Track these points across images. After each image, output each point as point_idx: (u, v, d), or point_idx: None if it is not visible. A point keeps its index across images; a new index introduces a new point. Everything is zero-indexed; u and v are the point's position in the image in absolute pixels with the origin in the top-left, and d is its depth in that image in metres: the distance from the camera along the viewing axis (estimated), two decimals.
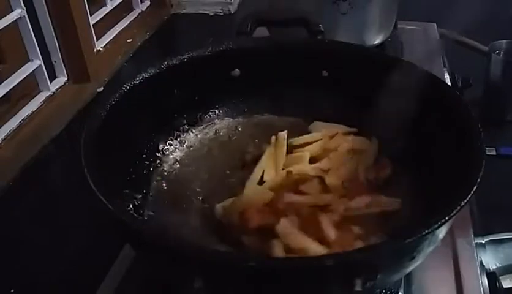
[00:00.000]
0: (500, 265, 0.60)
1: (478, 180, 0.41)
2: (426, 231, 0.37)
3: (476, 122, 0.48)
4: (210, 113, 0.63)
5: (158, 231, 0.46)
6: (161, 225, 0.52)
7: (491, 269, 0.59)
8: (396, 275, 0.44)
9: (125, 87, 0.53)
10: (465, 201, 0.40)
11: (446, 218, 0.38)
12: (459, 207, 0.39)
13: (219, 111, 0.64)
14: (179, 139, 0.60)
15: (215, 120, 0.63)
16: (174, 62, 0.58)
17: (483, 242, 0.60)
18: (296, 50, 0.62)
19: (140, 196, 0.53)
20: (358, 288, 0.37)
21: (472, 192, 0.40)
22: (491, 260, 0.59)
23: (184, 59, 0.59)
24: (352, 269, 0.37)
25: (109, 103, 0.51)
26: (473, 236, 0.58)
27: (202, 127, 0.62)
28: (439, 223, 0.38)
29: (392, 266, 0.41)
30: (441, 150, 0.51)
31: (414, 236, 0.37)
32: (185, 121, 0.61)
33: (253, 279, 0.38)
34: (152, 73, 0.56)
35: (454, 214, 0.39)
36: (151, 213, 0.52)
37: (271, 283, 0.38)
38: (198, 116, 0.62)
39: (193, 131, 0.62)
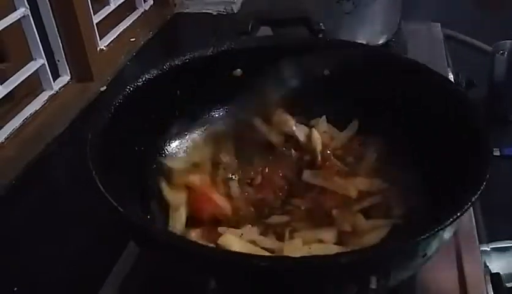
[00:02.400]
0: (507, 272, 0.59)
1: (487, 175, 0.41)
2: (439, 228, 0.38)
3: (481, 118, 0.48)
4: (213, 113, 0.63)
5: (167, 232, 0.47)
6: (165, 225, 0.52)
7: None
8: (408, 272, 0.44)
9: (128, 89, 0.54)
10: (476, 196, 0.40)
11: (458, 214, 0.38)
12: (470, 203, 0.39)
13: (222, 111, 0.63)
14: (182, 140, 0.60)
15: (219, 121, 0.63)
16: (176, 63, 0.58)
17: (488, 249, 0.59)
18: (298, 49, 0.62)
19: (145, 196, 0.53)
20: (373, 286, 0.37)
21: (482, 188, 0.40)
22: (496, 267, 0.59)
23: (186, 59, 0.59)
24: (366, 267, 0.37)
25: (114, 105, 0.51)
26: (477, 237, 0.57)
27: (205, 128, 0.62)
28: (451, 219, 0.38)
29: (405, 263, 0.41)
30: (448, 148, 0.51)
31: (428, 233, 0.37)
32: (188, 121, 0.61)
33: (265, 278, 0.38)
34: (154, 75, 0.56)
35: (466, 210, 0.39)
36: (156, 212, 0.52)
37: (284, 282, 0.38)
38: (201, 116, 0.62)
39: (197, 131, 0.62)
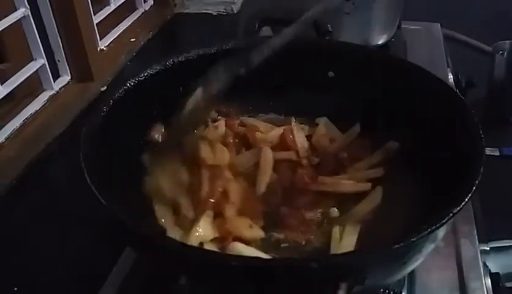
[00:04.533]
0: (507, 272, 0.59)
1: (474, 188, 0.40)
2: (415, 238, 0.36)
3: (476, 123, 0.48)
4: (213, 112, 0.63)
5: (159, 233, 0.46)
6: (162, 224, 0.52)
7: None
8: (387, 279, 0.43)
9: (129, 84, 0.53)
10: (458, 208, 0.39)
11: (437, 225, 0.37)
12: (451, 214, 0.38)
13: (224, 110, 0.63)
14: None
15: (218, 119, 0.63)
16: (180, 60, 0.58)
17: (487, 248, 0.59)
18: (303, 50, 0.62)
19: (142, 194, 0.53)
20: (343, 292, 0.36)
21: (466, 200, 0.39)
22: (495, 266, 0.59)
23: (190, 56, 0.59)
24: (337, 273, 0.37)
25: (113, 98, 0.51)
26: (476, 237, 0.57)
27: (206, 125, 0.62)
28: (428, 230, 0.37)
29: (381, 271, 0.40)
30: (442, 152, 0.50)
31: (402, 243, 0.36)
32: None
33: (236, 278, 0.38)
34: (157, 70, 0.56)
35: (446, 222, 0.38)
36: (151, 210, 0.52)
37: (254, 282, 0.38)
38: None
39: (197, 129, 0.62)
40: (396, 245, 0.36)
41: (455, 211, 0.38)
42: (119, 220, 0.40)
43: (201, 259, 0.37)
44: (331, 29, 0.63)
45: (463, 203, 0.39)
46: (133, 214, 0.46)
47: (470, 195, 0.40)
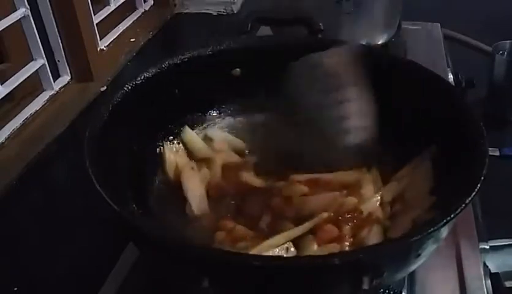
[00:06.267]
0: (506, 271, 0.60)
1: (482, 177, 0.41)
2: (432, 229, 0.38)
3: (478, 121, 0.48)
4: (211, 113, 0.63)
5: (163, 231, 0.46)
6: (163, 224, 0.52)
7: None
8: (402, 272, 0.44)
9: (127, 87, 0.54)
10: (470, 198, 0.40)
11: (452, 216, 0.38)
12: (463, 205, 0.39)
13: (220, 111, 0.64)
14: (180, 139, 0.61)
15: (216, 120, 0.63)
16: (175, 62, 0.58)
17: (487, 247, 0.60)
18: (297, 49, 0.62)
19: (143, 195, 0.53)
20: (365, 286, 0.37)
21: (476, 190, 0.40)
22: (495, 265, 0.59)
23: (185, 58, 0.59)
24: (359, 267, 0.37)
25: (112, 103, 0.51)
26: (476, 237, 0.57)
27: (203, 127, 0.62)
28: (444, 221, 0.38)
29: (398, 264, 0.41)
30: (444, 150, 0.51)
31: (420, 234, 0.37)
32: (186, 121, 0.61)
33: (259, 278, 0.38)
34: (153, 73, 0.56)
35: (459, 212, 0.39)
36: (153, 212, 0.53)
37: (277, 282, 0.38)
38: (199, 116, 0.62)
39: (194, 130, 0.62)
40: (415, 237, 0.37)
41: (467, 201, 0.39)
42: (139, 230, 0.40)
43: (225, 261, 0.37)
44: (322, 27, 0.63)
45: (473, 193, 0.40)
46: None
47: (479, 185, 0.41)
